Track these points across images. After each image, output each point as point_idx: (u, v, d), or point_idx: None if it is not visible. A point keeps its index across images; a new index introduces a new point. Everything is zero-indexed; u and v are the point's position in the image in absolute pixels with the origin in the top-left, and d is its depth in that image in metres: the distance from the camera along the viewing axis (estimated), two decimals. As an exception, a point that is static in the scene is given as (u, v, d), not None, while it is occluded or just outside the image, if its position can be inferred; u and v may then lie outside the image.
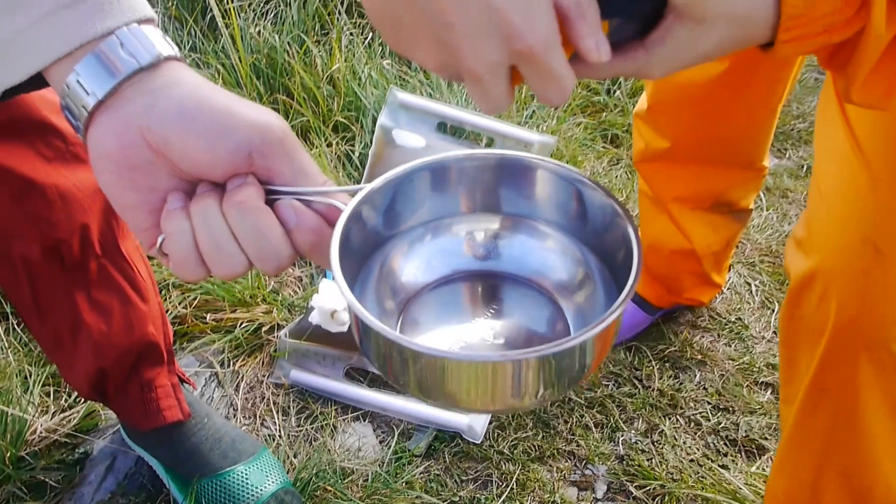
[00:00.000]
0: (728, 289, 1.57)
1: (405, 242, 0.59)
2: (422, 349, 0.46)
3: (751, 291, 1.58)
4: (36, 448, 1.24)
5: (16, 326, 1.41)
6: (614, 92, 1.98)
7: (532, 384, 0.47)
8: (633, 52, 0.48)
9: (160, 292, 1.42)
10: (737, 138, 1.23)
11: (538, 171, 0.56)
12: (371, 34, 1.99)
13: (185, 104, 0.47)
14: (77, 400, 1.30)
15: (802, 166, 1.88)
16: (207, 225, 0.48)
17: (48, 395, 1.31)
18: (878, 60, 0.49)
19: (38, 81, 0.49)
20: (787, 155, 1.91)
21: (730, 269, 1.59)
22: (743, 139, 1.24)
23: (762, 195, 1.78)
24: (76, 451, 1.25)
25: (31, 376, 1.32)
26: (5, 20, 0.45)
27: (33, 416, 1.26)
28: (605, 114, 1.94)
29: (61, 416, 1.27)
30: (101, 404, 1.25)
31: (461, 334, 0.55)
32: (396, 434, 1.30)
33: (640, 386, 1.40)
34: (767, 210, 1.75)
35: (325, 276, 1.43)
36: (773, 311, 1.54)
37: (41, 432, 1.25)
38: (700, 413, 1.37)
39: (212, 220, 0.48)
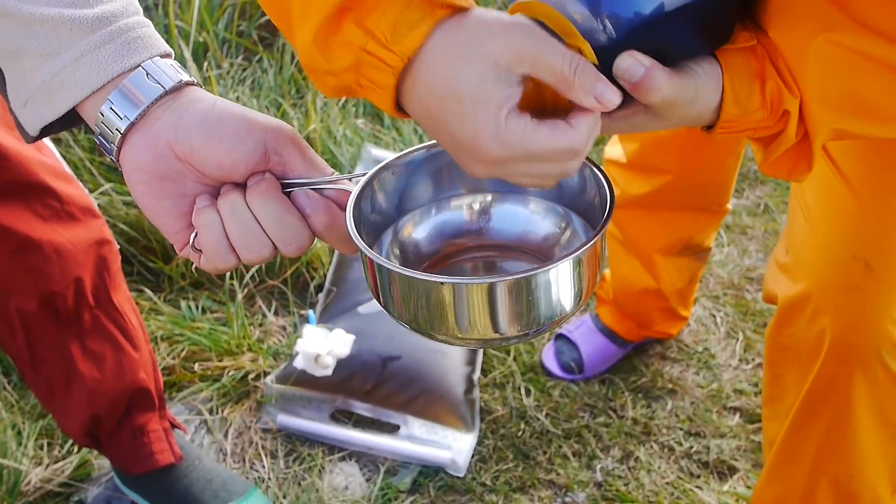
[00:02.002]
0: (694, 321, 1.65)
1: (414, 217, 0.66)
2: (423, 276, 0.53)
3: (716, 322, 1.65)
4: (31, 498, 1.27)
5: (6, 385, 1.45)
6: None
7: (515, 309, 0.53)
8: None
9: (150, 342, 1.47)
10: (708, 183, 1.31)
11: None
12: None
13: (207, 116, 0.54)
14: (70, 450, 1.34)
15: (759, 205, 1.97)
16: (235, 215, 0.55)
17: (42, 447, 1.35)
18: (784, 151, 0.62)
19: (70, 120, 0.56)
20: (745, 194, 2.00)
21: (695, 303, 1.66)
22: (714, 184, 1.32)
23: (722, 232, 1.87)
24: (70, 499, 1.28)
25: (24, 430, 1.35)
26: (49, 63, 0.53)
27: (28, 468, 1.29)
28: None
29: (55, 466, 1.31)
30: (95, 451, 1.29)
31: None
32: (382, 471, 1.34)
33: (614, 416, 1.46)
34: (728, 246, 1.84)
35: (309, 322, 1.49)
36: (738, 339, 1.61)
37: (36, 483, 1.28)
38: (673, 439, 1.42)
39: (238, 211, 0.55)
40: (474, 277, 0.59)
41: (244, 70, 2.07)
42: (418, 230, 0.67)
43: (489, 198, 0.68)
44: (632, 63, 0.53)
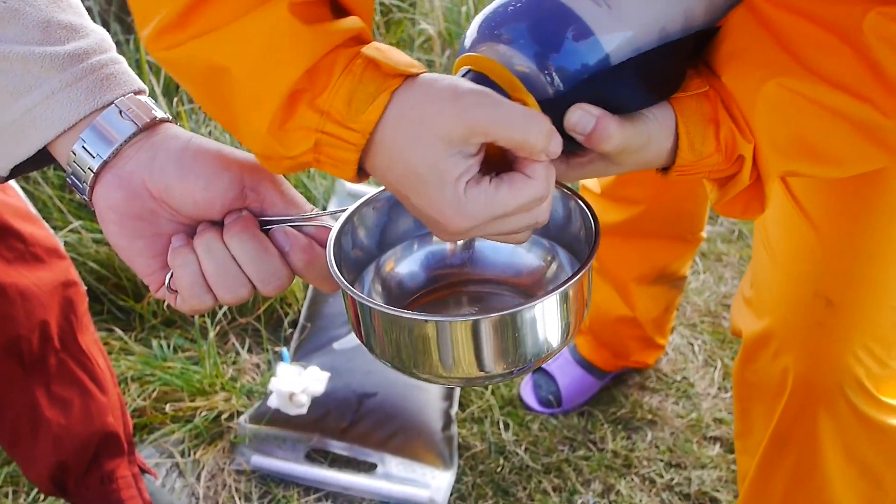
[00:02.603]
0: (672, 349, 1.64)
1: (396, 253, 0.65)
2: (406, 314, 0.53)
3: (693, 351, 1.65)
4: (-4, 550, 1.23)
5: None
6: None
7: (501, 347, 0.52)
8: (555, 163, 0.58)
9: (118, 385, 1.44)
10: (681, 212, 1.31)
11: None
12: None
13: (182, 154, 0.54)
14: (36, 498, 1.30)
15: (734, 231, 1.98)
16: (211, 254, 0.54)
17: (7, 495, 1.31)
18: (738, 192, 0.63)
19: (41, 160, 0.55)
20: (719, 221, 2.01)
21: (672, 331, 1.66)
22: (686, 213, 1.32)
23: (698, 260, 1.87)
24: (37, 550, 1.24)
25: (-11, 478, 1.32)
26: (20, 101, 0.52)
27: (-7, 518, 1.25)
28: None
29: (21, 515, 1.27)
30: (62, 500, 1.25)
31: None
32: (359, 512, 1.32)
33: (594, 449, 1.45)
34: (704, 273, 1.84)
35: (283, 360, 1.46)
36: (716, 368, 1.61)
37: (1, 533, 1.24)
38: (654, 471, 1.41)
39: (215, 250, 0.54)
40: (458, 315, 0.59)
41: (216, 104, 2.05)
42: (401, 266, 0.66)
43: None
44: (581, 115, 0.54)
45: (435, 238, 0.66)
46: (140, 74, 1.97)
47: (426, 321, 0.52)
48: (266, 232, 0.56)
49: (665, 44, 0.56)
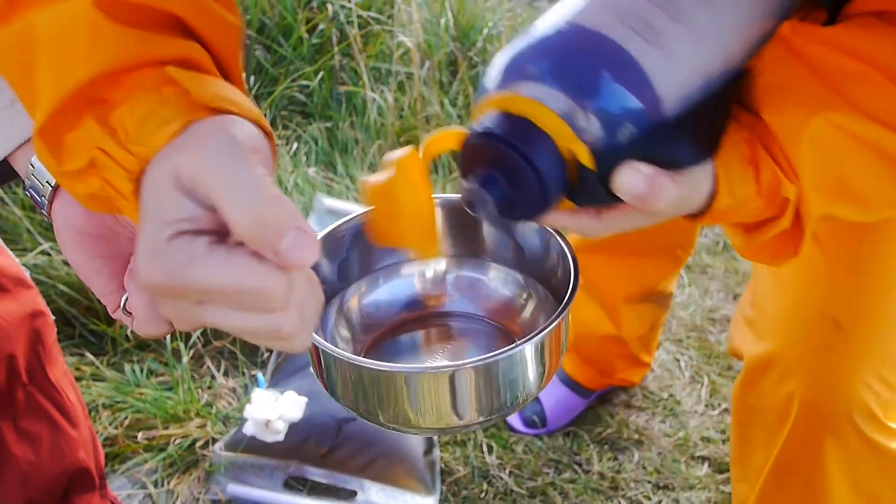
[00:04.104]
0: (658, 366, 1.62)
1: (360, 287, 0.62)
2: (376, 366, 0.49)
3: (680, 367, 1.62)
4: (-39, 591, 1.18)
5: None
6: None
7: (477, 397, 0.49)
8: (586, 217, 0.54)
9: (90, 413, 1.39)
10: (670, 228, 1.29)
11: None
12: (296, 144, 2.04)
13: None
14: (4, 535, 1.25)
15: (718, 243, 1.96)
16: None
17: (-27, 532, 1.26)
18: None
19: (4, 175, 0.53)
20: (704, 232, 1.99)
21: (658, 347, 1.63)
22: (675, 229, 1.29)
23: (683, 273, 1.85)
24: (4, 590, 1.20)
25: (-46, 514, 1.27)
26: None
27: (-43, 557, 1.20)
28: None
29: (-12, 554, 1.22)
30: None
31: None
32: (340, 541, 1.28)
33: (580, 471, 1.42)
34: (689, 286, 1.82)
35: (258, 386, 1.42)
36: (703, 384, 1.58)
37: (-34, 573, 1.19)
38: (641, 493, 1.38)
39: None
40: (429, 366, 0.56)
41: (191, 119, 2.01)
42: (365, 301, 0.63)
43: (443, 265, 0.64)
44: (633, 176, 0.48)
45: (403, 270, 0.63)
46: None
47: (394, 373, 0.49)
48: None
49: (716, 88, 0.51)
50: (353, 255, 0.61)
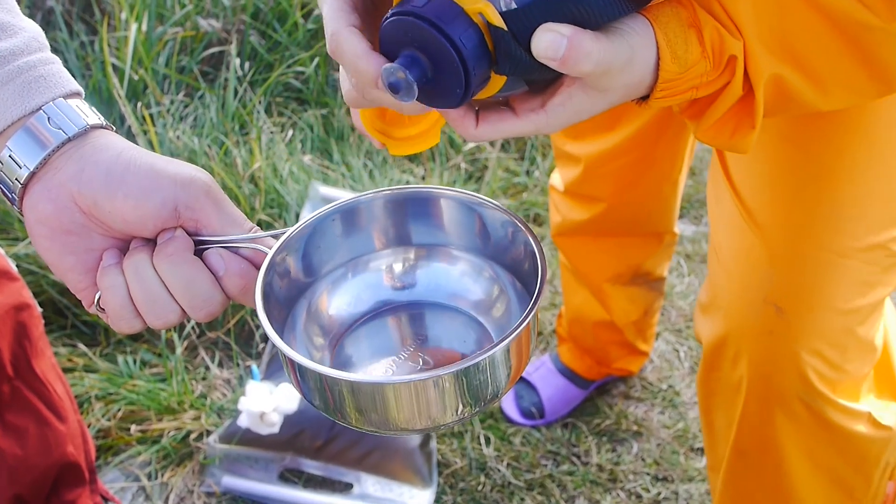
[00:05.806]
0: (657, 356, 1.60)
1: (328, 283, 0.61)
2: (349, 377, 0.49)
3: (679, 358, 1.60)
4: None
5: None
6: (533, 172, 2.04)
7: (452, 399, 0.49)
8: (532, 114, 0.52)
9: (81, 406, 1.38)
10: (647, 211, 1.27)
11: (441, 200, 0.60)
12: (291, 131, 2.01)
13: (112, 167, 0.51)
14: (-6, 530, 1.24)
15: (719, 231, 1.94)
16: (140, 278, 0.51)
17: (-36, 526, 1.25)
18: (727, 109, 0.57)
19: None
20: (704, 221, 1.97)
21: (657, 337, 1.61)
22: (654, 211, 1.28)
23: (683, 262, 1.82)
24: (-5, 585, 1.18)
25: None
26: None
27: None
28: (525, 194, 1.98)
29: (-22, 548, 1.21)
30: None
31: (391, 364, 0.57)
32: (335, 535, 1.26)
33: (578, 463, 1.40)
34: (689, 276, 1.80)
35: (252, 378, 1.41)
36: (703, 375, 1.56)
37: (-44, 568, 1.18)
38: (640, 485, 1.37)
39: (144, 274, 0.51)
40: (402, 376, 0.54)
41: (186, 107, 1.99)
42: (334, 296, 0.62)
43: (412, 255, 0.63)
44: (551, 38, 0.46)
45: (371, 264, 0.62)
46: (105, 77, 1.90)
47: (365, 383, 0.49)
48: (201, 251, 0.53)
49: None
50: (319, 250, 0.60)
